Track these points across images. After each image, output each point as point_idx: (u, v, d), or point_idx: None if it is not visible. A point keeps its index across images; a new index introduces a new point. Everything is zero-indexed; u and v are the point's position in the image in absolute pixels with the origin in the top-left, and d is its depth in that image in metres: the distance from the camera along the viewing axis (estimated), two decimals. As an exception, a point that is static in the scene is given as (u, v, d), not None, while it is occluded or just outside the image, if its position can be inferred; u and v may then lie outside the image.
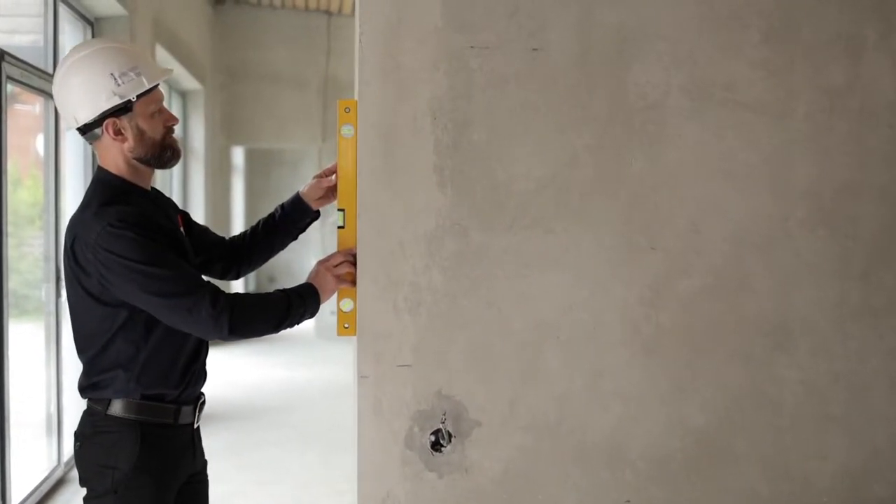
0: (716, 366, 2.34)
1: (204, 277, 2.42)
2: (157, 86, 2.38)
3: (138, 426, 2.34)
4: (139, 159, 2.38)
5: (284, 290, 2.39)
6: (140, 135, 2.36)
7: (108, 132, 2.35)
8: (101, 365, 2.36)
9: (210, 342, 2.51)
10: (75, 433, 2.43)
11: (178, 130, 10.59)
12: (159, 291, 2.24)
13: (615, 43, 2.28)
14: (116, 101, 2.31)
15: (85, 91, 2.31)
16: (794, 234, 2.33)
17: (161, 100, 2.39)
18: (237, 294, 2.35)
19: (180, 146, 2.48)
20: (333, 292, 2.38)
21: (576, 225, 2.29)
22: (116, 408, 2.34)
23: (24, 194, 5.85)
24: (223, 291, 2.29)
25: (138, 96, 2.32)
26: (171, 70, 2.48)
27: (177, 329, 2.34)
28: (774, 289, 2.33)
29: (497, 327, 2.29)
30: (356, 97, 2.34)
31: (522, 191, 2.28)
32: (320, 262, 2.39)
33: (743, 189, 2.31)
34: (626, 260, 2.30)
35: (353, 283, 2.30)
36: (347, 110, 2.30)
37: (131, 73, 2.31)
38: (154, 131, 2.37)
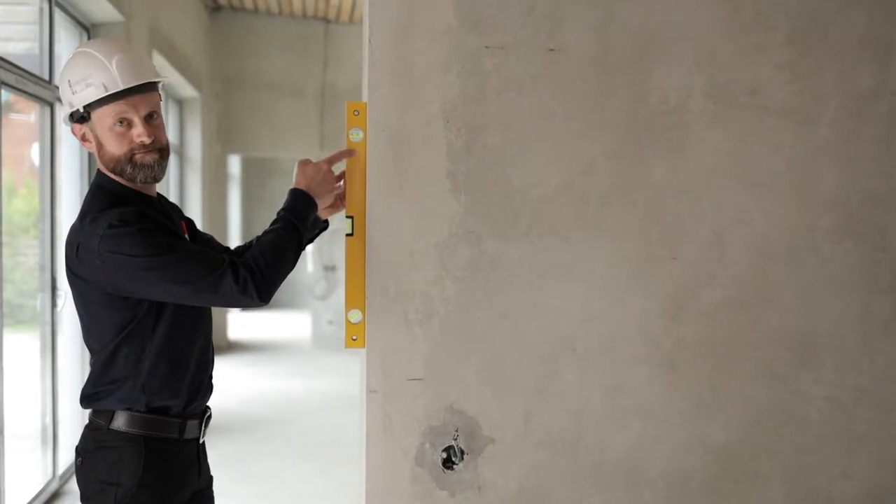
0: (738, 381, 2.25)
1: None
2: (116, 97, 2.23)
3: (142, 441, 2.25)
4: (107, 169, 2.30)
5: (287, 219, 2.26)
6: (100, 146, 2.29)
7: (75, 135, 2.32)
8: (108, 373, 2.27)
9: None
10: (76, 448, 2.34)
11: (174, 139, 10.36)
12: (179, 279, 2.16)
13: (635, 44, 2.20)
14: (68, 108, 2.29)
15: (60, 93, 2.33)
16: (820, 244, 2.24)
17: (122, 113, 2.23)
18: (252, 253, 2.21)
19: (157, 165, 2.30)
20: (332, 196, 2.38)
21: (594, 234, 2.20)
22: (120, 422, 2.25)
23: (20, 203, 5.80)
24: (239, 259, 2.18)
25: (88, 107, 2.25)
26: (142, 82, 2.26)
27: (184, 335, 2.27)
28: (799, 302, 2.25)
29: (511, 340, 2.20)
30: (365, 100, 2.25)
31: (538, 198, 2.19)
32: (315, 165, 2.34)
33: (767, 198, 2.23)
34: (646, 270, 2.22)
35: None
36: (356, 113, 2.21)
37: (81, 84, 2.24)
38: (112, 146, 2.26)
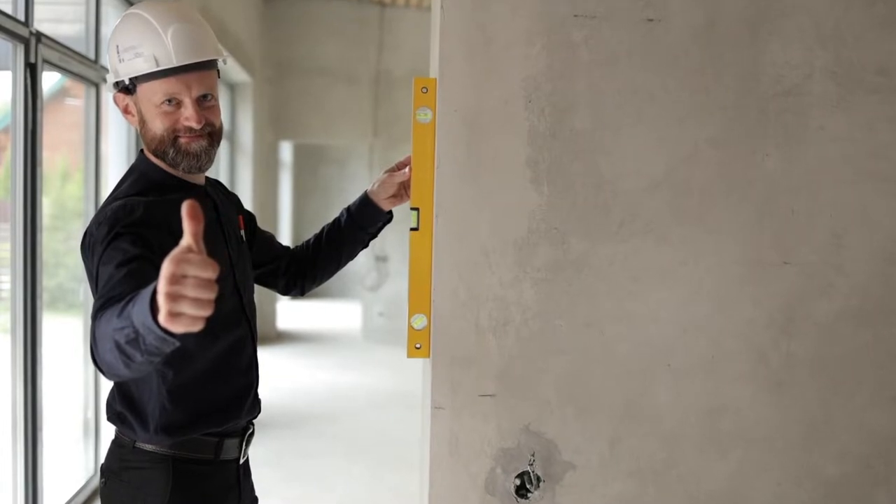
0: (856, 405, 1.96)
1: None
2: (167, 73, 1.97)
3: (171, 462, 2.00)
4: (149, 150, 2.05)
5: (133, 302, 1.51)
6: (143, 122, 2.04)
7: (118, 105, 2.07)
8: (127, 394, 2.03)
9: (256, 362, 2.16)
10: (101, 468, 2.11)
11: (226, 124, 10.34)
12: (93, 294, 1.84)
13: (747, 14, 1.91)
14: (113, 77, 2.05)
15: (108, 58, 2.08)
16: (958, 249, 1.94)
17: (172, 92, 1.98)
18: (96, 318, 1.66)
19: (203, 153, 2.04)
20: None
21: (695, 232, 1.92)
22: (146, 439, 2.01)
23: (73, 188, 5.76)
24: (102, 311, 1.64)
25: (135, 79, 1.99)
26: (198, 60, 1.99)
27: (216, 356, 2.02)
28: (930, 314, 1.95)
29: (598, 352, 1.93)
30: (434, 75, 1.98)
31: (632, 190, 1.91)
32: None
33: (897, 194, 1.94)
34: (754, 276, 1.93)
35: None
36: (425, 90, 1.94)
37: (130, 52, 1.98)
38: (156, 124, 2.01)
